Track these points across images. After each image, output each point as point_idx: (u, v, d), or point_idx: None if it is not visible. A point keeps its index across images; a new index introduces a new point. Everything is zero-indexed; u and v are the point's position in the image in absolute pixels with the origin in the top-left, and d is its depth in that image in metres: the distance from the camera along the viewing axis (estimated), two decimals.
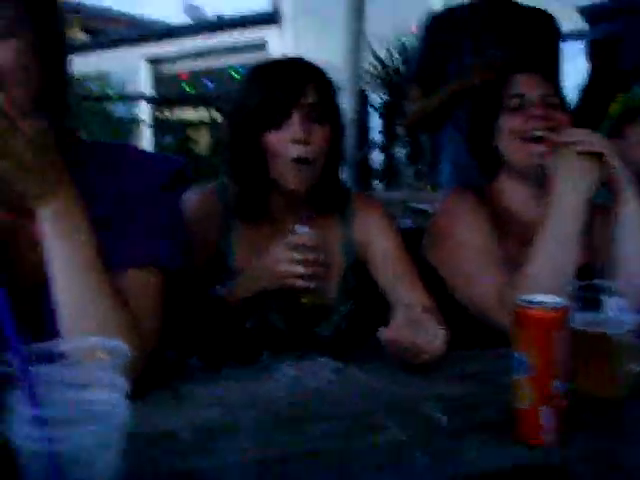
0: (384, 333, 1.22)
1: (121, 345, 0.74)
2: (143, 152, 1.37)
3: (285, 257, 1.42)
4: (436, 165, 5.26)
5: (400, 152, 6.26)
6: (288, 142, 1.45)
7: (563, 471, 0.92)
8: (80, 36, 11.60)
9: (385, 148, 6.34)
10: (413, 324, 1.22)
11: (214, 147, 9.29)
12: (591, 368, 1.13)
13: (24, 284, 1.09)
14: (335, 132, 1.53)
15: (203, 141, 10.16)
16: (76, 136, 1.25)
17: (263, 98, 1.47)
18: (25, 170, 0.97)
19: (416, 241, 1.74)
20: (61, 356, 0.74)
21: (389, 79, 6.52)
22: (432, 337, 1.22)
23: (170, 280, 1.16)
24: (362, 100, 6.63)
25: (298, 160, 1.46)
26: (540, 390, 0.97)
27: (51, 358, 0.74)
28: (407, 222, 3.83)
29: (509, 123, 1.65)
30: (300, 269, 1.41)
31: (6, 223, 1.14)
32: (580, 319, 1.16)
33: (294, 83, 1.47)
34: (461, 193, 1.73)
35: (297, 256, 1.41)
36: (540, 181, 1.58)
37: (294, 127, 1.45)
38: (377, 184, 6.50)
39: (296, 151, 1.45)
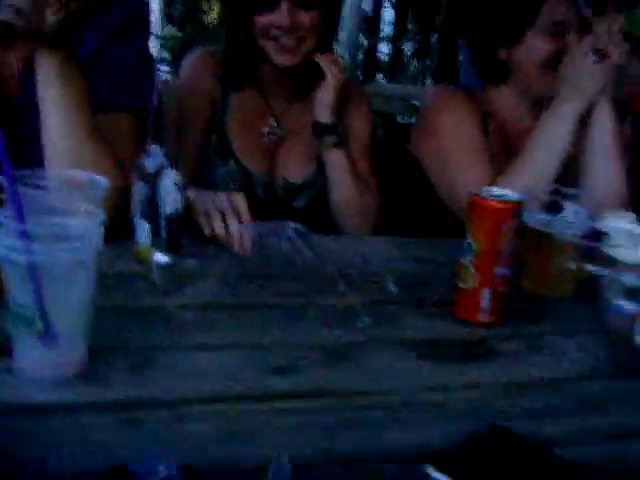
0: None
1: (101, 179, 0.81)
2: None
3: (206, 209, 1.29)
4: (443, 62, 5.22)
5: (409, 47, 6.18)
6: (275, 26, 1.54)
7: (485, 347, 1.03)
8: None
9: (394, 41, 6.24)
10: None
11: (223, 17, 9.10)
12: (535, 265, 1.22)
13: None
14: (327, 16, 1.59)
15: (213, 11, 9.92)
16: None
17: None
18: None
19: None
20: (45, 185, 0.82)
21: None
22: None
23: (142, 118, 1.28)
24: None
25: (282, 43, 1.55)
26: (483, 273, 1.07)
27: (37, 185, 0.81)
28: (406, 118, 3.84)
29: (544, 48, 1.58)
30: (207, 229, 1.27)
31: None
32: (537, 219, 1.24)
33: None
34: (452, 91, 1.75)
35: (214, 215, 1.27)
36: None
37: (281, 13, 1.52)
38: (382, 76, 6.45)
39: (281, 35, 1.54)
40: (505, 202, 1.06)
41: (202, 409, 0.79)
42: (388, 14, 6.39)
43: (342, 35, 5.18)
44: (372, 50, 6.27)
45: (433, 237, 1.49)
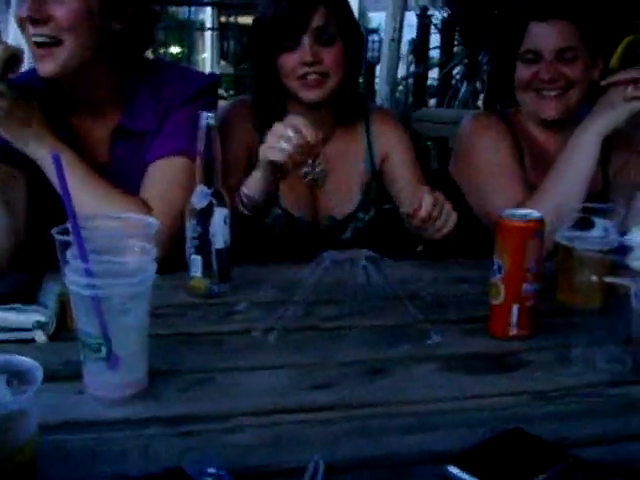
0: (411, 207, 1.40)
1: (152, 220, 0.92)
2: (176, 68, 1.62)
3: (275, 132, 1.38)
4: (493, 84, 5.26)
5: (457, 70, 6.22)
6: (299, 64, 1.58)
7: (515, 359, 1.09)
8: None
9: (442, 65, 6.30)
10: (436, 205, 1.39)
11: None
12: (565, 279, 1.29)
13: None
14: (349, 50, 1.64)
15: None
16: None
17: (274, 22, 1.58)
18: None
19: None
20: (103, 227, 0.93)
21: None
22: (446, 217, 1.40)
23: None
24: (424, 17, 6.58)
25: (307, 80, 1.59)
26: (511, 290, 1.13)
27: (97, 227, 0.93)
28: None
29: (520, 74, 1.72)
30: (283, 144, 1.35)
31: None
32: (566, 235, 1.30)
33: (301, 7, 1.57)
34: (486, 116, 1.85)
35: (286, 132, 1.36)
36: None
37: (303, 51, 1.57)
38: (434, 102, 6.51)
39: (305, 72, 1.58)
40: (527, 221, 1.13)
41: (248, 421, 0.88)
42: (434, 39, 6.47)
43: (381, 68, 5.27)
44: (423, 77, 6.35)
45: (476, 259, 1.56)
